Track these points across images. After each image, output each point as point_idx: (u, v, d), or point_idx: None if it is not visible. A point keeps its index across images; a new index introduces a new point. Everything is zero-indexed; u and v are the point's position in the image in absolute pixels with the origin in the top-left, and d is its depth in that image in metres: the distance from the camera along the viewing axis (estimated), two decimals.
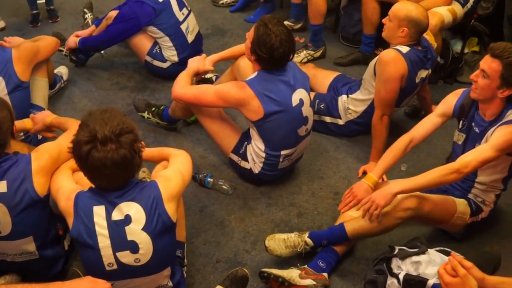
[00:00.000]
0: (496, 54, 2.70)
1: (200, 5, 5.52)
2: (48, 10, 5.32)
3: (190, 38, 4.29)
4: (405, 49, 3.43)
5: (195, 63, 3.50)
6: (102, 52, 4.59)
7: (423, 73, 3.57)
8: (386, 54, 3.41)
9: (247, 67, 3.35)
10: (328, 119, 3.89)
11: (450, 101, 3.09)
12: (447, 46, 4.46)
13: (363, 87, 3.73)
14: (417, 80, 3.55)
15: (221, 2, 5.55)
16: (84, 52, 4.48)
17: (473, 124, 2.95)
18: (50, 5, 5.30)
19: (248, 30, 3.20)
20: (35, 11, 5.25)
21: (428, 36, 3.64)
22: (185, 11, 4.27)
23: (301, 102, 3.20)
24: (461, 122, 3.04)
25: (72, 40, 4.38)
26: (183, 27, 4.22)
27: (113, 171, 2.17)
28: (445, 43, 4.40)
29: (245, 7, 5.47)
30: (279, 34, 3.02)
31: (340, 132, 3.91)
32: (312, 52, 4.72)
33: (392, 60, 3.39)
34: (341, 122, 3.86)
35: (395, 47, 3.45)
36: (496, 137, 2.75)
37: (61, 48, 4.38)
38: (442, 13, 3.97)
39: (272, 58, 3.06)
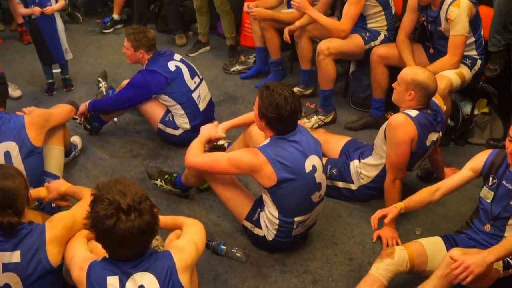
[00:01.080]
0: None
1: (212, 73, 5.63)
2: (63, 79, 5.43)
3: (202, 106, 4.35)
4: (414, 113, 3.46)
5: (207, 131, 3.54)
6: (116, 119, 4.65)
7: (433, 136, 3.58)
8: (396, 119, 3.44)
9: (259, 134, 3.37)
10: (340, 184, 3.88)
11: (480, 158, 3.12)
12: (457, 109, 4.48)
13: (374, 152, 3.74)
14: (428, 143, 3.56)
15: (232, 69, 5.66)
16: (98, 120, 4.55)
17: (504, 181, 2.95)
18: (65, 74, 5.42)
19: None
20: (50, 80, 5.37)
21: (437, 99, 3.68)
22: (197, 79, 4.36)
23: (314, 168, 3.21)
24: (490, 179, 3.03)
25: (83, 105, 4.45)
26: (194, 95, 4.29)
27: (138, 239, 2.19)
28: (455, 106, 4.43)
29: (256, 75, 5.56)
30: (282, 93, 3.06)
31: (353, 197, 3.90)
32: (323, 117, 4.76)
33: (402, 124, 3.41)
34: (353, 187, 3.85)
35: (404, 111, 3.49)
36: None
37: (75, 117, 4.44)
38: (451, 77, 4.01)
39: (281, 117, 3.07)
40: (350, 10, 4.40)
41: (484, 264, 2.65)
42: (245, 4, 5.22)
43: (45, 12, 4.96)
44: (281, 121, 3.10)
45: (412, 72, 3.50)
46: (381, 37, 4.57)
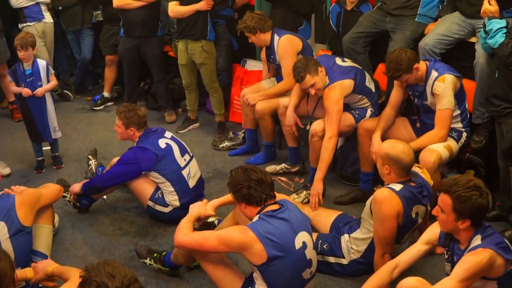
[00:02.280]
0: (445, 189, 2.84)
1: (201, 149, 5.68)
2: (53, 157, 5.46)
3: (191, 183, 4.37)
4: (398, 186, 3.50)
5: (197, 209, 3.55)
6: (105, 197, 4.65)
7: (419, 209, 3.60)
8: (380, 193, 3.49)
9: None
10: (332, 259, 3.85)
11: (434, 229, 3.15)
12: None
13: (362, 226, 3.74)
14: (413, 216, 3.58)
15: (221, 145, 5.70)
16: (87, 198, 4.54)
17: (454, 255, 2.99)
18: (55, 152, 5.45)
19: None
20: (40, 158, 5.40)
21: (424, 174, 3.73)
22: (187, 157, 4.40)
23: (304, 245, 3.20)
24: (445, 252, 3.07)
25: (77, 186, 4.46)
26: (184, 172, 4.32)
27: None
28: (443, 177, 4.47)
29: (246, 153, 5.60)
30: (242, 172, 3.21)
31: (344, 272, 3.86)
32: None
33: (386, 198, 3.45)
34: (345, 261, 3.83)
35: (388, 186, 3.53)
36: (456, 267, 2.80)
37: (64, 194, 4.44)
38: (439, 150, 4.08)
39: (249, 188, 3.17)
40: (332, 116, 4.44)
41: None
42: (241, 93, 5.38)
43: (36, 94, 5.05)
44: (250, 190, 3.18)
45: (386, 146, 3.61)
46: (369, 113, 4.66)
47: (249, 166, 3.30)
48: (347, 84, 4.48)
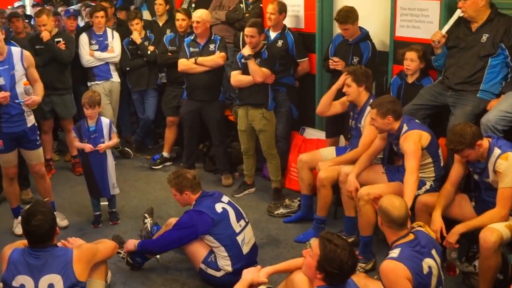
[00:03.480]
0: None
1: (256, 215, 5.67)
2: (110, 213, 5.57)
3: (245, 249, 4.36)
4: (396, 252, 3.47)
5: (250, 275, 3.53)
6: (158, 256, 4.66)
7: (429, 263, 3.51)
8: (384, 267, 3.45)
9: (303, 282, 3.34)
10: None
11: None
12: (505, 262, 4.36)
13: None
14: (426, 271, 3.47)
15: (276, 212, 5.68)
16: (141, 256, 4.58)
17: None
18: (112, 208, 5.57)
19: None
20: (97, 213, 5.52)
21: (424, 228, 3.74)
22: (242, 222, 4.41)
23: None
24: None
25: (131, 243, 4.53)
26: (239, 238, 4.33)
27: None
28: (504, 258, 4.32)
29: (300, 220, 5.53)
30: (345, 248, 3.00)
31: None
32: (363, 265, 4.66)
33: (391, 271, 3.40)
34: None
35: (388, 256, 3.49)
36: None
37: (119, 251, 4.49)
38: (501, 230, 3.95)
39: (342, 273, 3.01)
40: (410, 154, 4.39)
41: None
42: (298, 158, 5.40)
43: (98, 150, 5.22)
44: (340, 277, 3.05)
45: (383, 198, 3.67)
46: (427, 186, 4.57)
47: (348, 248, 3.04)
48: (425, 135, 4.48)
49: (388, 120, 4.46)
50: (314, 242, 3.10)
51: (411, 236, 3.55)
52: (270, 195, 6.07)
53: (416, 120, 4.63)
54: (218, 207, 4.33)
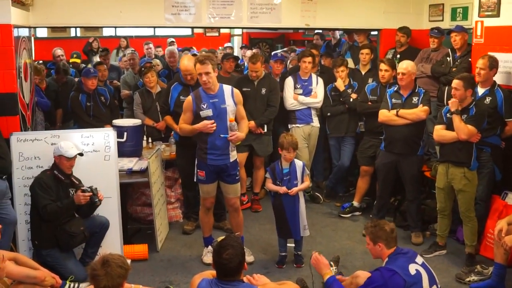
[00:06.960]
0: None
1: (444, 279, 5.28)
2: (295, 255, 5.60)
3: None
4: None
5: None
6: None
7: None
8: None
9: None
10: None
11: None
12: None
13: None
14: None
15: (467, 279, 5.25)
16: None
17: None
18: (298, 250, 5.59)
19: None
20: (283, 253, 5.59)
21: None
22: None
23: None
24: None
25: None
26: None
27: None
28: None
29: None
30: None
31: None
32: None
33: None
34: None
35: None
36: None
37: None
38: None
39: None
40: None
41: None
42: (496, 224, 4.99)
43: (290, 193, 5.31)
44: None
45: None
46: None
47: None
48: None
49: None
50: None
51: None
52: (462, 260, 5.68)
53: None
54: (412, 269, 4.07)
